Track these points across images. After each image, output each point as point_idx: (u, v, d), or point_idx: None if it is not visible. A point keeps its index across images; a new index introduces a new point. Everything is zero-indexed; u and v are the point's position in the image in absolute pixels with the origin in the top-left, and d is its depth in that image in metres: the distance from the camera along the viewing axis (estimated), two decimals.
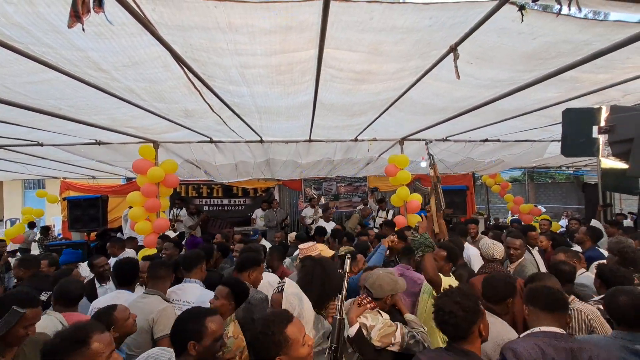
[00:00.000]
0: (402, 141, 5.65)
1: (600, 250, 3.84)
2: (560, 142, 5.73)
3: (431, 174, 3.70)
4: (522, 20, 1.80)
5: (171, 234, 5.66)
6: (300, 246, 3.25)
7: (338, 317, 1.72)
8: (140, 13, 1.65)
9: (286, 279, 1.96)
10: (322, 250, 3.33)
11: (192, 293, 2.64)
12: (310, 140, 5.44)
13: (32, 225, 7.63)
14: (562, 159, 8.14)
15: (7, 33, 1.84)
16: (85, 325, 1.44)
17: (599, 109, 2.08)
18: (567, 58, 2.40)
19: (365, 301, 2.14)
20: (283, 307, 1.79)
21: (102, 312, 1.91)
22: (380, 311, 2.15)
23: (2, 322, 1.66)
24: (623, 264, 2.72)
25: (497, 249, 3.08)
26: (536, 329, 1.70)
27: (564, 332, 1.67)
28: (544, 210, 11.49)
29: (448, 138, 5.66)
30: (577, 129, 2.14)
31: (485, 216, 8.87)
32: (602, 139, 2.04)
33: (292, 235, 5.62)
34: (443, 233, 3.21)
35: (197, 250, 3.07)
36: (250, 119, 3.98)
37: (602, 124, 2.01)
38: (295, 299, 1.85)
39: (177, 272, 3.01)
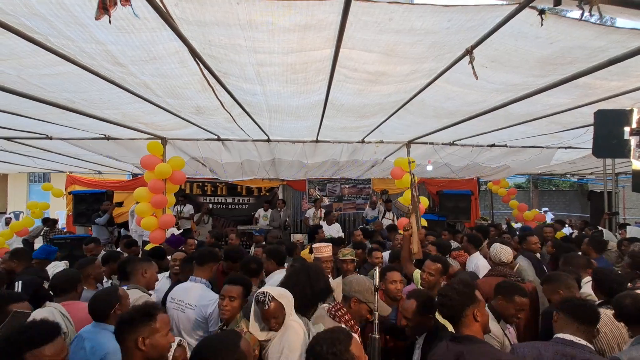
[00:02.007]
0: (408, 144, 5.66)
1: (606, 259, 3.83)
2: (567, 148, 5.71)
3: (413, 193, 3.73)
4: (542, 25, 1.80)
5: (175, 231, 5.69)
6: (314, 245, 3.28)
7: (376, 335, 1.73)
8: (163, 8, 1.67)
9: (265, 289, 1.94)
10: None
11: (194, 295, 2.57)
12: (317, 141, 5.45)
13: (45, 221, 7.63)
14: (568, 166, 8.11)
15: (28, 24, 1.86)
16: (153, 304, 1.72)
17: (631, 111, 2.09)
18: (582, 64, 2.41)
19: (340, 312, 2.13)
20: (286, 307, 1.89)
21: (110, 289, 2.13)
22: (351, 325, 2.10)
23: (7, 325, 1.66)
24: (634, 267, 2.75)
25: (505, 252, 3.13)
26: (559, 335, 1.76)
27: (585, 344, 1.70)
28: (552, 217, 11.44)
29: (455, 142, 5.66)
30: (608, 130, 2.15)
31: (490, 221, 8.83)
32: (634, 140, 2.04)
33: (299, 237, 5.62)
34: (419, 254, 3.26)
35: (212, 249, 3.08)
36: (260, 117, 3.99)
37: (634, 125, 2.02)
38: (285, 293, 1.96)
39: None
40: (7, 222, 9.09)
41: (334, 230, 7.03)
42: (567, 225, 10.76)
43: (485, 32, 2.04)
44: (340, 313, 2.12)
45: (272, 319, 1.88)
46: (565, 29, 2.00)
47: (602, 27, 2.04)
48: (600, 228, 5.86)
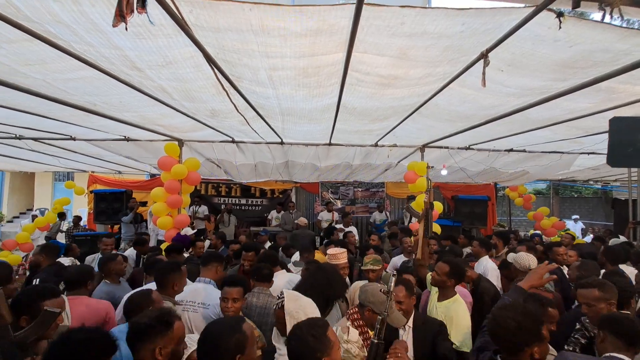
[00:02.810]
0: (422, 148, 5.59)
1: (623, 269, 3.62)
2: (589, 154, 5.50)
3: (425, 200, 3.67)
4: (560, 27, 1.75)
5: (190, 231, 5.80)
6: (329, 251, 3.25)
7: (376, 340, 1.63)
8: (179, 15, 1.72)
9: (285, 292, 1.93)
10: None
11: (205, 295, 2.63)
12: (330, 144, 5.45)
13: (61, 215, 7.98)
14: (591, 173, 7.80)
15: (53, 30, 1.95)
16: (170, 311, 1.65)
17: None
18: (604, 67, 2.31)
19: (354, 316, 2.12)
20: (287, 324, 1.78)
21: (145, 292, 2.17)
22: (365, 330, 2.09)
23: (38, 324, 1.70)
24: None
25: (532, 260, 3.14)
26: (607, 355, 1.70)
27: None
28: (582, 226, 10.92)
29: (471, 146, 5.54)
30: (624, 138, 2.05)
31: (507, 228, 8.59)
32: None
33: (303, 220, 5.63)
34: (424, 260, 3.20)
35: (215, 251, 3.16)
36: (273, 120, 4.03)
37: None
38: (300, 313, 1.83)
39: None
40: (34, 218, 9.51)
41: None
42: (589, 234, 10.33)
43: (501, 35, 1.99)
44: (354, 317, 2.13)
45: (276, 321, 1.90)
46: (586, 32, 1.93)
47: (625, 30, 1.96)
48: (621, 237, 5.59)
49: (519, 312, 1.56)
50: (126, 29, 1.37)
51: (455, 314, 2.49)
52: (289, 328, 1.77)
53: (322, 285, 2.28)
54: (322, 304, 2.12)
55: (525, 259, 3.15)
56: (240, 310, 2.23)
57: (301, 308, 1.83)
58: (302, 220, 7.26)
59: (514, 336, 1.51)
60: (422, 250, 3.13)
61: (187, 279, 2.63)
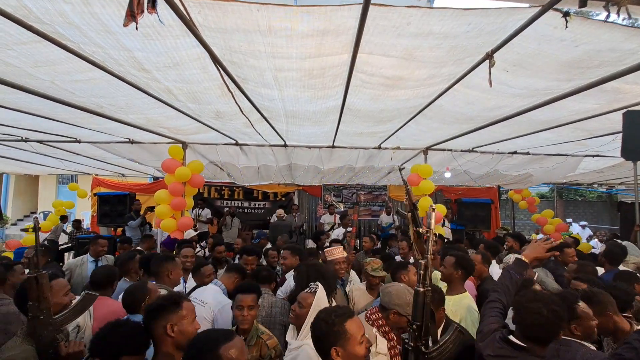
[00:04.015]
0: (426, 150, 5.58)
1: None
2: (594, 157, 5.47)
3: (406, 202, 3.65)
4: (567, 27, 1.75)
5: (192, 233, 5.80)
6: (326, 248, 3.29)
7: (421, 288, 1.33)
8: (187, 15, 1.73)
9: (318, 283, 1.99)
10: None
11: (208, 294, 2.68)
12: (333, 147, 5.46)
13: (63, 218, 8.01)
14: (595, 176, 7.76)
15: (62, 32, 1.97)
16: (179, 293, 1.84)
17: None
18: (610, 67, 2.31)
19: (375, 316, 2.09)
20: (311, 310, 1.82)
21: (140, 284, 2.29)
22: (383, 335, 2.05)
23: (78, 308, 1.90)
24: None
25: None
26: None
27: None
28: (590, 233, 10.74)
29: (474, 149, 5.54)
30: (638, 131, 2.03)
31: (511, 231, 8.53)
32: None
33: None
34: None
35: (240, 265, 3.27)
36: (277, 123, 4.05)
37: None
38: (322, 304, 1.89)
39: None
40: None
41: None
42: (594, 238, 10.23)
43: (506, 35, 2.00)
44: (375, 317, 2.10)
45: (297, 304, 1.93)
46: (592, 31, 1.93)
47: (632, 29, 1.97)
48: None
49: (550, 302, 1.58)
50: (136, 28, 1.39)
51: (468, 308, 2.43)
52: (310, 315, 1.83)
53: (320, 280, 2.27)
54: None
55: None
56: (255, 318, 2.17)
57: (324, 304, 1.90)
58: (279, 212, 8.15)
59: (553, 327, 1.55)
60: (419, 248, 3.08)
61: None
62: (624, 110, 2.14)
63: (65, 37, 2.01)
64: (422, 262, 1.32)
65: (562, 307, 1.60)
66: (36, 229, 1.89)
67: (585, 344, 1.80)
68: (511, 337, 1.60)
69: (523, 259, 2.00)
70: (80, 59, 2.24)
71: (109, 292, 2.59)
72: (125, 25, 1.36)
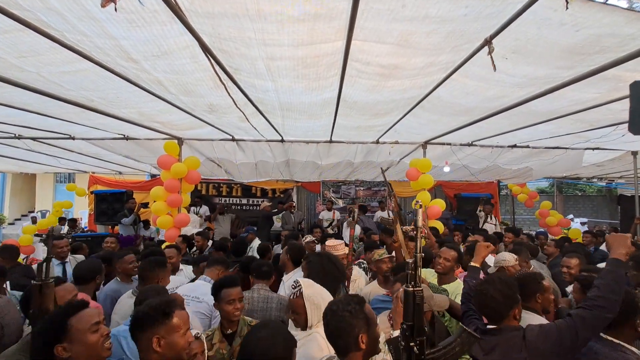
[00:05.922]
0: (425, 144, 5.52)
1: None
2: (594, 150, 5.40)
3: (392, 206, 3.65)
4: (567, 8, 1.68)
5: (190, 231, 5.75)
6: (327, 243, 3.27)
7: (411, 288, 1.25)
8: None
9: (300, 280, 1.92)
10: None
11: (202, 290, 2.65)
12: (331, 141, 5.40)
13: (61, 220, 7.96)
14: (595, 169, 7.70)
15: (44, 19, 1.90)
16: (169, 300, 1.57)
17: None
18: (611, 54, 2.25)
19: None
20: (308, 311, 1.78)
21: (95, 261, 2.20)
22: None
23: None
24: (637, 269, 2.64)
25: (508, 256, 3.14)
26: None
27: None
28: (585, 228, 10.71)
29: (474, 142, 5.47)
30: None
31: (510, 226, 8.48)
32: None
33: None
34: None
35: (222, 258, 3.19)
36: (273, 116, 3.98)
37: None
38: (318, 297, 1.84)
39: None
40: (34, 220, 9.50)
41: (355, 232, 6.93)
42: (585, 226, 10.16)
43: (505, 19, 1.93)
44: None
45: (292, 312, 1.88)
46: (593, 14, 1.86)
47: (632, 13, 1.90)
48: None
49: (497, 283, 1.82)
50: (115, 9, 1.32)
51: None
52: (309, 314, 1.79)
53: (332, 271, 2.35)
54: (331, 290, 2.07)
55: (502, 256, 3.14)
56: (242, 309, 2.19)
57: (318, 293, 1.85)
58: (264, 204, 8.63)
59: (499, 304, 1.75)
60: (406, 253, 3.06)
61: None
62: (632, 82, 2.04)
63: (47, 25, 1.94)
64: (410, 261, 1.26)
65: (511, 287, 1.80)
66: (50, 237, 1.87)
67: (537, 315, 2.06)
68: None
69: (475, 264, 2.27)
70: (65, 49, 2.17)
71: (90, 287, 2.50)
72: (103, 5, 1.30)
